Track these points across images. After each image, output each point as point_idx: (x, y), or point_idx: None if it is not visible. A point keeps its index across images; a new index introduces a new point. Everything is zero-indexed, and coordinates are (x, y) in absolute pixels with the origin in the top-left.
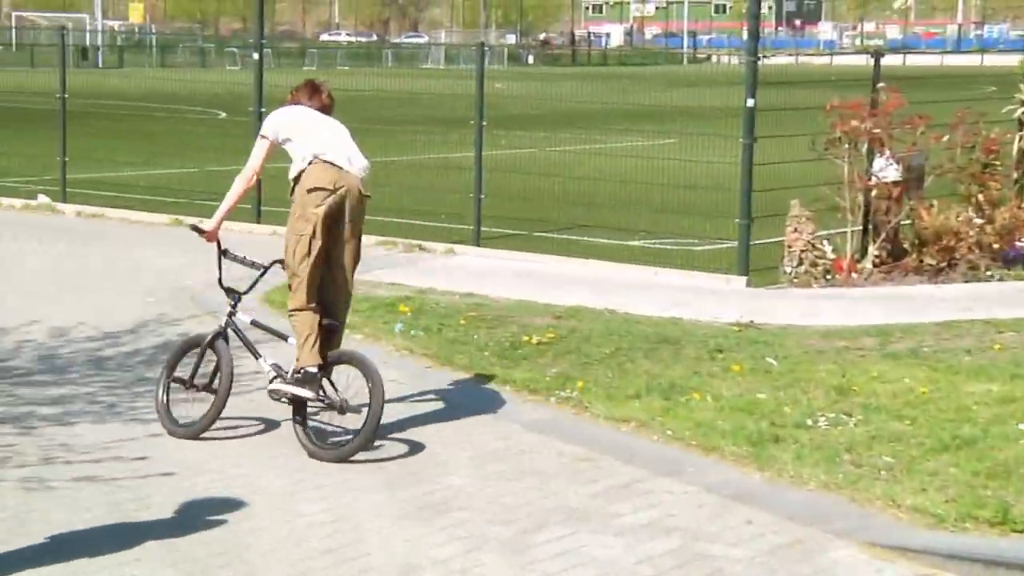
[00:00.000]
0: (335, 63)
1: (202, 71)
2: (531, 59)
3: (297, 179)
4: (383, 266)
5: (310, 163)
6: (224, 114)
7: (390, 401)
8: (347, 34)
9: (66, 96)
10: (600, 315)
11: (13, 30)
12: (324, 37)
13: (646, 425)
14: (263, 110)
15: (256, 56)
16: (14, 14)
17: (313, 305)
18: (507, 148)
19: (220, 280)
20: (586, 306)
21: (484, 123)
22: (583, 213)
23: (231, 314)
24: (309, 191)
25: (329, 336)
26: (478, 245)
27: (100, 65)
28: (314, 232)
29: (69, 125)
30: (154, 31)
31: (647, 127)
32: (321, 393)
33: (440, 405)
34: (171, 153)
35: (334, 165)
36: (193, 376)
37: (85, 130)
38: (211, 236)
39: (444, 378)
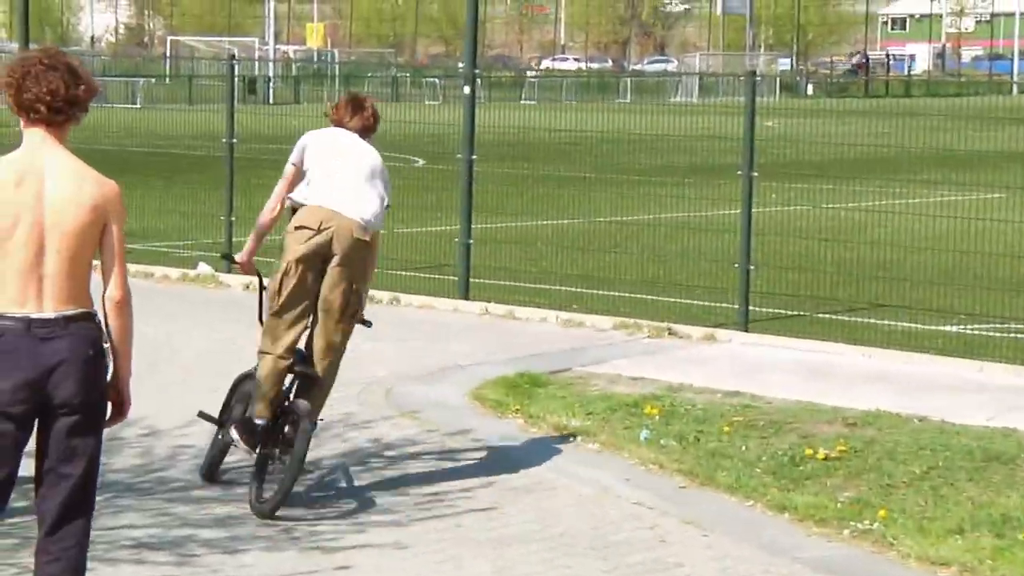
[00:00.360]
0: (559, 96)
1: (394, 106)
2: (810, 89)
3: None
4: (623, 355)
5: (305, 200)
6: (421, 161)
7: (637, 529)
8: (575, 59)
9: (234, 141)
10: (906, 423)
11: (168, 59)
12: (547, 64)
13: (972, 571)
14: (473, 157)
15: (467, 90)
16: (169, 38)
17: (280, 351)
18: (781, 205)
19: (261, 318)
20: (888, 411)
21: (754, 173)
22: (881, 289)
23: None
24: (295, 228)
25: (304, 387)
26: (745, 330)
27: (271, 100)
28: (286, 270)
29: (235, 176)
30: (337, 58)
31: (965, 178)
32: (270, 448)
33: (697, 536)
34: None
35: (327, 210)
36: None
37: (253, 183)
38: (246, 267)
39: (703, 501)
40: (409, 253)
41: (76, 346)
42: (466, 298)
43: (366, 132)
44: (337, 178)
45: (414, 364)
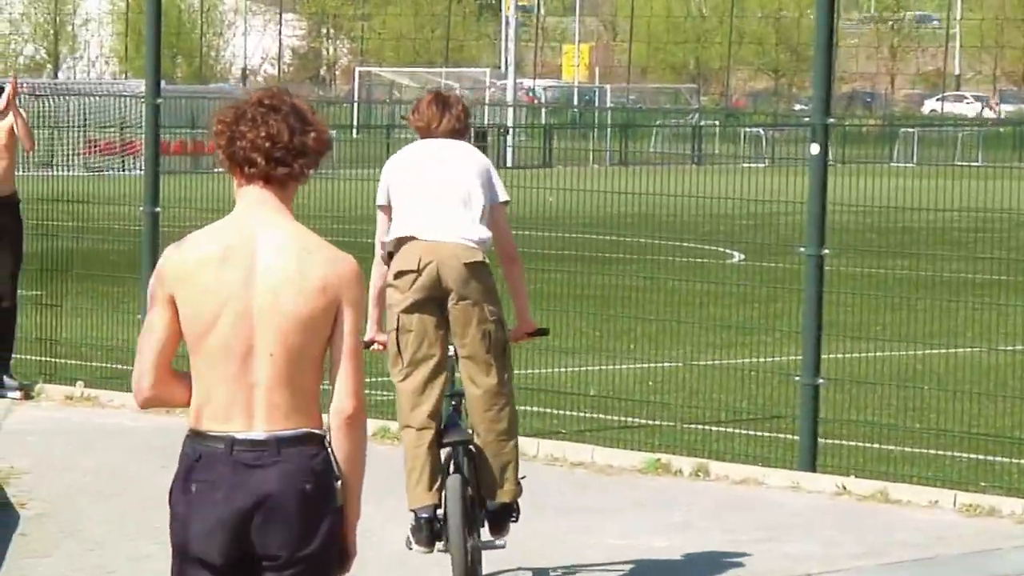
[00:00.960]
0: (953, 154)
1: (696, 171)
2: None
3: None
4: None
5: (398, 240)
6: (739, 256)
7: None
8: (975, 98)
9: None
10: None
11: (356, 102)
12: (931, 105)
13: None
14: (825, 251)
15: (816, 148)
16: (357, 69)
17: (420, 421)
18: None
19: None
20: None
21: None
22: None
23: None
24: (394, 277)
25: (465, 462)
26: None
27: (510, 162)
28: (399, 326)
29: None
30: (609, 98)
31: None
32: (440, 544)
33: None
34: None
35: (421, 240)
36: None
37: None
38: (382, 340)
39: None
40: (722, 395)
41: (290, 478)
42: (812, 469)
43: (457, 135)
44: (425, 200)
45: (735, 574)
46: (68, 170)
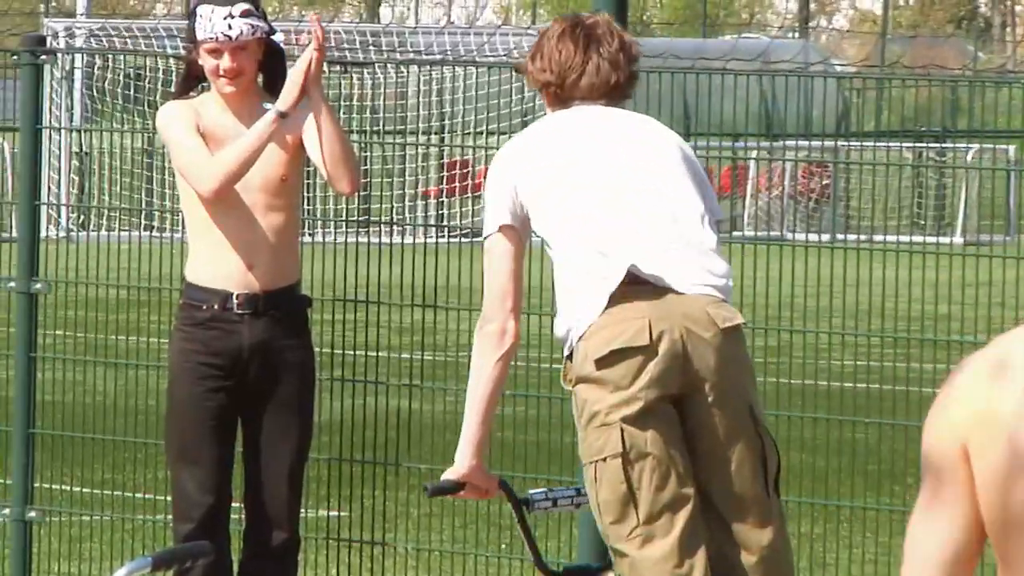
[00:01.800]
0: None
1: None
2: None
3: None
4: None
5: (592, 296)
6: None
7: None
8: None
9: None
10: None
11: None
12: None
13: None
14: None
15: None
16: None
17: None
18: None
19: (540, 562)
20: None
21: None
22: None
23: None
24: (599, 365)
25: None
26: None
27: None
28: (626, 451)
29: None
30: None
31: None
32: None
33: None
34: None
35: (644, 284)
36: None
37: None
38: (482, 488)
39: None
40: None
41: None
42: None
43: (620, 90)
44: (619, 213)
45: None
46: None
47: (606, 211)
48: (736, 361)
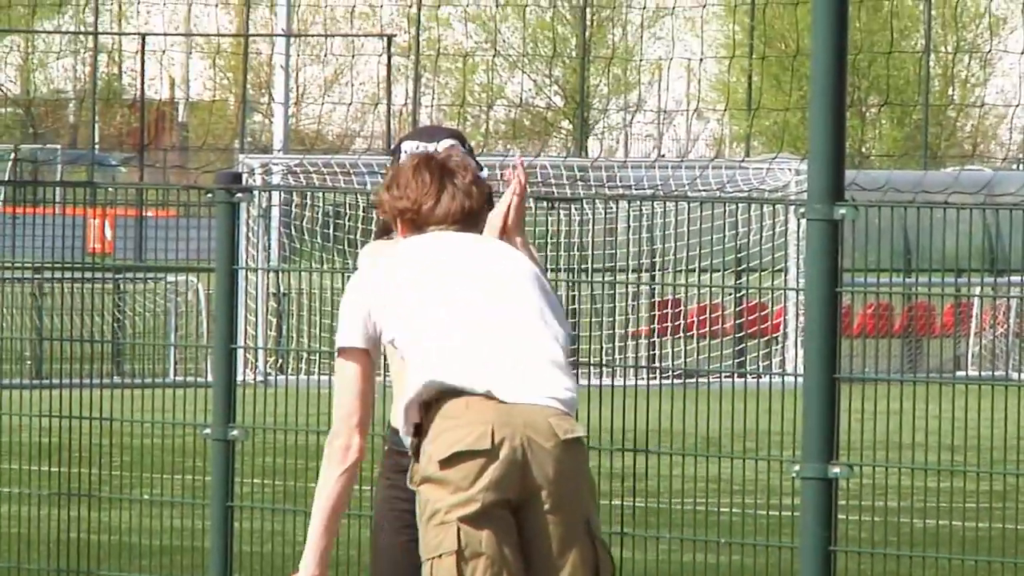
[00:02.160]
0: None
1: None
2: None
3: (416, 446)
4: None
5: (429, 401)
6: None
7: None
8: None
9: None
10: None
11: None
12: None
13: None
14: None
15: None
16: None
17: None
18: None
19: None
20: None
21: None
22: None
23: None
24: (442, 466)
25: None
26: None
27: None
28: (461, 550)
29: None
30: None
31: None
32: None
33: None
34: None
35: (483, 397)
36: None
37: None
38: None
39: None
40: None
41: None
42: None
43: (473, 217)
44: (473, 333)
45: None
46: None
47: (458, 329)
48: (575, 472)
